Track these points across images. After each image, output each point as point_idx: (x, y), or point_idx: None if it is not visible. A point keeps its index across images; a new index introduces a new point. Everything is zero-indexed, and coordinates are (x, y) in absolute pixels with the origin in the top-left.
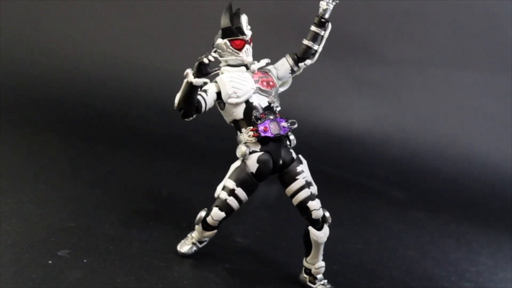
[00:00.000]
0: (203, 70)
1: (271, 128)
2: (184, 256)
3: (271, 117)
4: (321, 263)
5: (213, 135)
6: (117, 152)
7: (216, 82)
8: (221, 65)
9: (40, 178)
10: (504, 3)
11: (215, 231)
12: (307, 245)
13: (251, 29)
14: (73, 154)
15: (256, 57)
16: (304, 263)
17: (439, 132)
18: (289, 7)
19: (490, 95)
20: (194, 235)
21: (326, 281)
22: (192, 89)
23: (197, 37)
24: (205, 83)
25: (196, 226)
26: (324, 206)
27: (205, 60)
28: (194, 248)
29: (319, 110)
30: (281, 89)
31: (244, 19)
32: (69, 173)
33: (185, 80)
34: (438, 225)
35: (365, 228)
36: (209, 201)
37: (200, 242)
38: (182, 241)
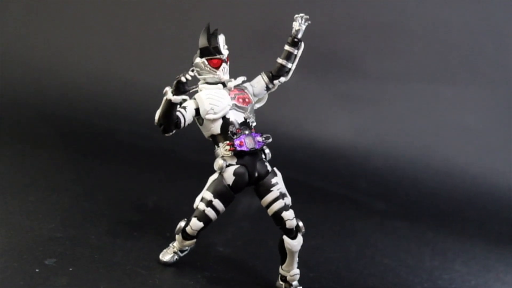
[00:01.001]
0: (181, 88)
1: (246, 142)
2: (166, 264)
3: (247, 132)
4: (296, 271)
5: (200, 149)
6: (105, 165)
7: (194, 99)
8: (199, 83)
9: (30, 190)
10: (481, 18)
11: (194, 240)
12: (282, 254)
13: (228, 48)
14: (62, 167)
15: (238, 72)
16: (280, 271)
17: (419, 145)
18: (272, 24)
19: (468, 109)
20: (176, 244)
21: (301, 287)
22: (171, 106)
23: (184, 55)
24: (184, 100)
25: (176, 236)
26: (305, 216)
27: (183, 79)
28: (176, 257)
29: (303, 123)
30: (257, 105)
31: (221, 39)
32: (58, 185)
33: (164, 98)
34: (415, 234)
35: (344, 237)
36: (192, 212)
37: (182, 251)
38: (164, 250)
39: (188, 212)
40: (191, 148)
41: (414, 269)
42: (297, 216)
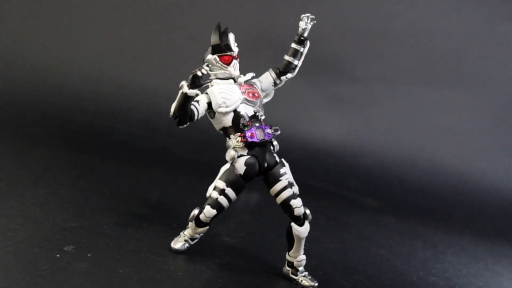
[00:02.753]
0: (196, 82)
1: (257, 134)
2: (177, 252)
3: (257, 124)
4: (303, 257)
5: (195, 148)
6: (107, 163)
7: (207, 93)
8: (211, 78)
9: (39, 185)
10: (464, 24)
11: (207, 227)
12: (290, 240)
13: (237, 46)
14: (66, 165)
15: (240, 72)
16: (287, 257)
17: (406, 144)
18: (264, 30)
19: (451, 110)
20: (187, 232)
21: (307, 273)
22: (187, 99)
23: (178, 57)
24: (197, 95)
25: (190, 223)
26: None
27: (199, 73)
28: (187, 245)
29: (294, 124)
30: (265, 100)
31: (231, 37)
32: (64, 181)
33: (180, 91)
34: (406, 228)
35: (340, 230)
36: (195, 206)
37: (192, 240)
38: (175, 238)
39: (191, 206)
40: (187, 148)
41: (409, 259)
42: None
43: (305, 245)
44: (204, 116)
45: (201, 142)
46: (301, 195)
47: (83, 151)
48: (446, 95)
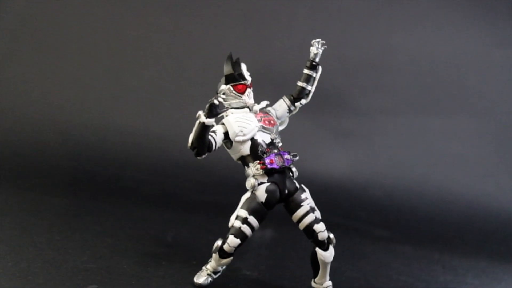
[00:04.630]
0: (213, 111)
1: (276, 160)
2: (200, 286)
3: (275, 151)
4: (329, 283)
5: (203, 190)
6: (117, 209)
7: (223, 123)
8: (226, 107)
9: (53, 231)
10: (462, 52)
11: (231, 258)
12: (315, 266)
13: (250, 75)
14: (77, 212)
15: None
16: (313, 284)
17: (413, 173)
18: (267, 66)
19: (455, 136)
20: (209, 266)
21: None
22: (204, 129)
23: (180, 100)
24: (212, 125)
25: (214, 255)
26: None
27: (216, 101)
28: (210, 279)
29: (300, 161)
30: (281, 128)
31: (244, 66)
32: (78, 226)
33: (197, 121)
34: (423, 255)
35: (357, 259)
36: (211, 244)
37: (215, 273)
38: (198, 273)
39: (206, 243)
40: (195, 190)
41: (430, 284)
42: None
43: None
44: (211, 156)
45: (208, 184)
46: None
47: (93, 198)
48: (449, 122)
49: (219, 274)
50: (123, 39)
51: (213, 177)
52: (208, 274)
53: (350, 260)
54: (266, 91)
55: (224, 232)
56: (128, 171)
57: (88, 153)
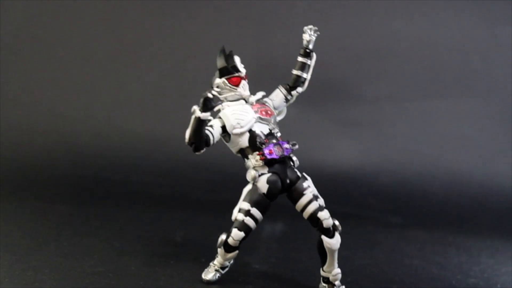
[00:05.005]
0: (208, 105)
1: (275, 150)
2: (209, 283)
3: (274, 141)
4: (337, 270)
5: (210, 189)
6: (125, 213)
7: (220, 117)
8: (221, 100)
9: (61, 238)
10: (465, 33)
11: (237, 251)
12: (322, 255)
13: (244, 67)
14: (85, 218)
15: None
16: (322, 273)
17: (423, 158)
18: (269, 60)
19: (463, 119)
20: (217, 261)
21: (343, 287)
22: (200, 123)
23: (183, 102)
24: (209, 120)
25: (219, 250)
26: None
27: (209, 95)
28: (218, 274)
29: (308, 153)
30: (279, 118)
31: (237, 58)
32: (85, 231)
33: (193, 116)
34: (437, 238)
35: (369, 247)
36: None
37: (223, 269)
38: (206, 269)
39: (216, 240)
40: (202, 190)
41: (445, 266)
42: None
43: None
44: (219, 153)
45: (217, 182)
46: None
47: (100, 204)
48: (456, 104)
49: (227, 269)
50: (123, 43)
51: (222, 175)
52: (216, 270)
53: (362, 248)
54: (269, 84)
55: None
56: (136, 174)
57: (94, 159)
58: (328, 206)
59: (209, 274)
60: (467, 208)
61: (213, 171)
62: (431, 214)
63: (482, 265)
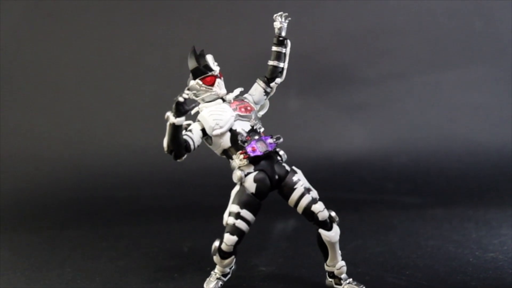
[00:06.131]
0: (181, 109)
1: (258, 147)
2: None
3: (256, 137)
4: (342, 263)
5: (222, 195)
6: (135, 229)
7: (198, 120)
8: (196, 103)
9: (65, 264)
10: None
11: (233, 257)
12: (323, 249)
13: (218, 65)
14: (92, 240)
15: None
16: (326, 268)
17: (436, 133)
18: (259, 56)
19: (472, 87)
20: (217, 270)
21: (351, 279)
22: (176, 130)
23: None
24: (189, 125)
25: (214, 257)
26: (340, 226)
27: (181, 99)
28: (220, 283)
29: (317, 143)
30: (261, 113)
31: (209, 57)
32: (92, 254)
33: (168, 123)
34: (456, 215)
35: (384, 233)
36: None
37: (224, 276)
38: (207, 279)
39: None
40: (214, 195)
41: (462, 243)
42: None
43: (346, 255)
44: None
45: (227, 187)
46: (340, 210)
47: (109, 224)
48: (463, 74)
49: (229, 275)
50: (116, 57)
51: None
52: (218, 278)
53: (375, 235)
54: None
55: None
56: (144, 189)
57: (101, 179)
58: (343, 195)
59: (211, 283)
60: (486, 179)
61: (223, 176)
62: (450, 190)
63: (502, 237)
